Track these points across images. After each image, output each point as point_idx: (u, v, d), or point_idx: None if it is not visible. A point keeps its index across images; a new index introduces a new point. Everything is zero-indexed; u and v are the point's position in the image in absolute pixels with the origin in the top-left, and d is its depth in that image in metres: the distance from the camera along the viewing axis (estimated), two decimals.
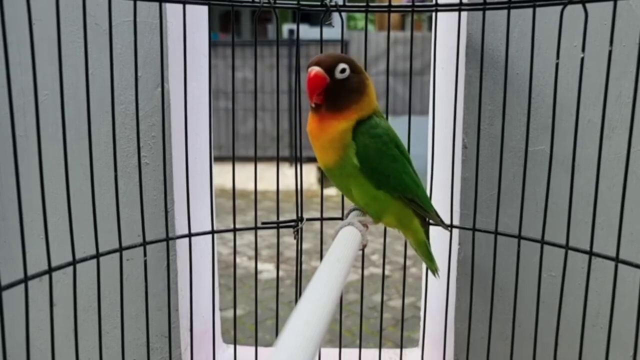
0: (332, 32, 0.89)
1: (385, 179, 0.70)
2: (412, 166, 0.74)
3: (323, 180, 0.92)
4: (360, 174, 0.70)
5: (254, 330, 0.91)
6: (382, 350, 0.98)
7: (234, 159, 0.84)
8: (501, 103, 0.81)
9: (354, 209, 0.79)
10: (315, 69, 0.67)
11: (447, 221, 0.89)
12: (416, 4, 0.83)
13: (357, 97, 0.69)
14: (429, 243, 0.80)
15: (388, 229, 0.87)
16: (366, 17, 0.86)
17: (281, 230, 0.88)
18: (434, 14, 0.84)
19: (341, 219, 0.82)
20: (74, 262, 0.69)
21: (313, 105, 0.69)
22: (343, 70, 0.67)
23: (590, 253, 0.73)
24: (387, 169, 0.70)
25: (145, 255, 0.80)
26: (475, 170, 0.86)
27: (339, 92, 0.68)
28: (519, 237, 0.80)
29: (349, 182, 0.72)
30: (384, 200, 0.72)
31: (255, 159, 0.86)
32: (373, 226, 0.74)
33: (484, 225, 0.89)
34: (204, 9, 0.96)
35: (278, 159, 0.88)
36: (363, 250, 0.75)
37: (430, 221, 0.81)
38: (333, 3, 0.80)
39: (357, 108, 0.69)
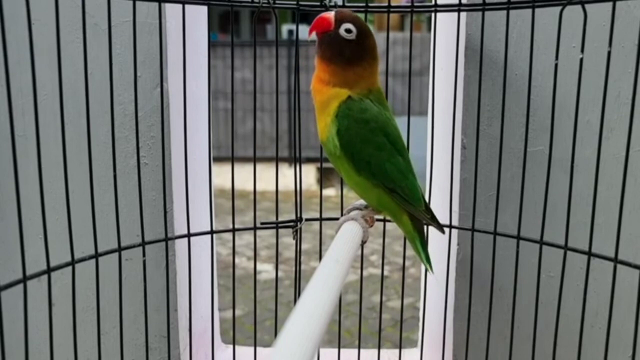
0: None
1: (365, 164, 0.69)
2: (404, 157, 0.72)
3: (322, 181, 0.92)
4: (342, 155, 0.69)
5: (252, 331, 0.91)
6: (381, 350, 0.98)
7: (233, 159, 0.84)
8: (500, 104, 0.81)
9: (353, 209, 0.78)
10: (328, 15, 0.68)
11: (446, 222, 0.89)
12: (415, 4, 0.83)
13: (352, 64, 0.68)
14: (419, 238, 0.77)
15: (387, 230, 0.87)
16: (365, 18, 0.86)
17: (280, 230, 0.88)
18: (433, 14, 0.84)
19: None
20: (72, 262, 0.69)
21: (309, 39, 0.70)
22: (349, 31, 0.67)
23: (589, 254, 0.73)
24: (368, 155, 0.69)
25: (144, 255, 0.80)
26: (474, 170, 0.86)
27: (336, 49, 0.68)
28: (518, 237, 0.80)
29: (336, 162, 0.71)
30: (365, 187, 0.71)
31: (255, 159, 0.86)
32: (372, 227, 0.73)
33: (483, 225, 0.89)
34: (203, 9, 0.96)
35: (277, 159, 0.88)
36: (362, 250, 0.75)
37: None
38: (332, 3, 0.80)
39: (349, 78, 0.68)
